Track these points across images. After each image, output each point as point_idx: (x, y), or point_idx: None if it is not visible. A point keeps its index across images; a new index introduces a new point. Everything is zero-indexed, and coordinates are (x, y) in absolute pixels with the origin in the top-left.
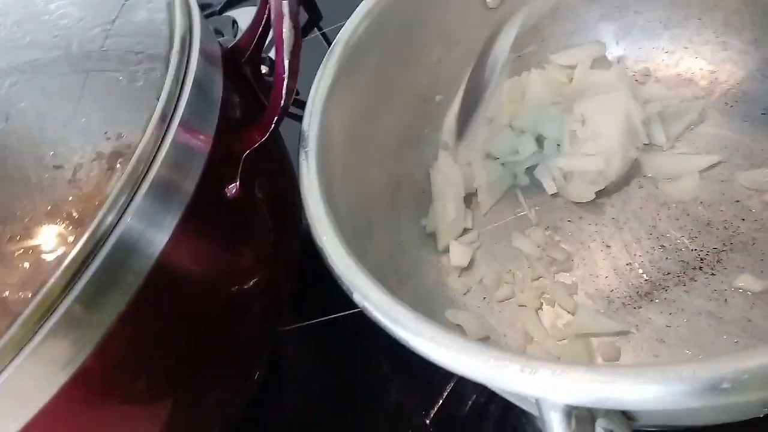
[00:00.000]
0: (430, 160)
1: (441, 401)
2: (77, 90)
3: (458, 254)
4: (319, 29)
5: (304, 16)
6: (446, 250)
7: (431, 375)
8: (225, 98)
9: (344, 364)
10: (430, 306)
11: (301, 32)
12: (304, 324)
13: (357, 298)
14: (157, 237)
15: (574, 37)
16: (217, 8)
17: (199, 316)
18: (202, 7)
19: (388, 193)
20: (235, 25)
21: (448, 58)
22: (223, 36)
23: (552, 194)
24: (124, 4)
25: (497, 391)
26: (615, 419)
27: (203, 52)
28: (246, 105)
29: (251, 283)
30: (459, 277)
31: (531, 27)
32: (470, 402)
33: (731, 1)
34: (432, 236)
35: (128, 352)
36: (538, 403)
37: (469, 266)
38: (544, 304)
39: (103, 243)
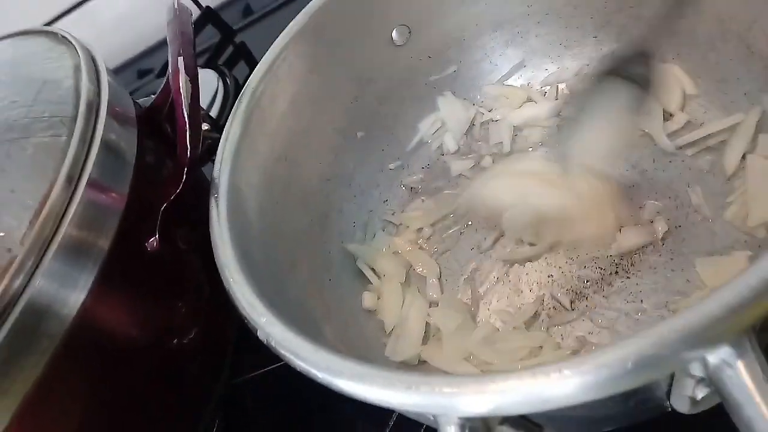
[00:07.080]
0: (361, 193)
1: None
2: None
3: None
4: None
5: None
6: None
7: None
8: (141, 155)
9: (304, 410)
10: (363, 340)
11: (198, 87)
12: (259, 372)
13: (261, 335)
14: (72, 297)
15: (483, 63)
16: (156, 72)
17: (131, 375)
18: (144, 73)
19: (316, 231)
20: None
21: (364, 96)
22: None
23: None
24: (44, 81)
25: (400, 411)
26: (520, 426)
27: (113, 114)
28: (168, 160)
29: (188, 336)
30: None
31: (442, 56)
32: None
33: (620, 16)
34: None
35: (51, 418)
36: (436, 419)
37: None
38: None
39: (12, 309)
